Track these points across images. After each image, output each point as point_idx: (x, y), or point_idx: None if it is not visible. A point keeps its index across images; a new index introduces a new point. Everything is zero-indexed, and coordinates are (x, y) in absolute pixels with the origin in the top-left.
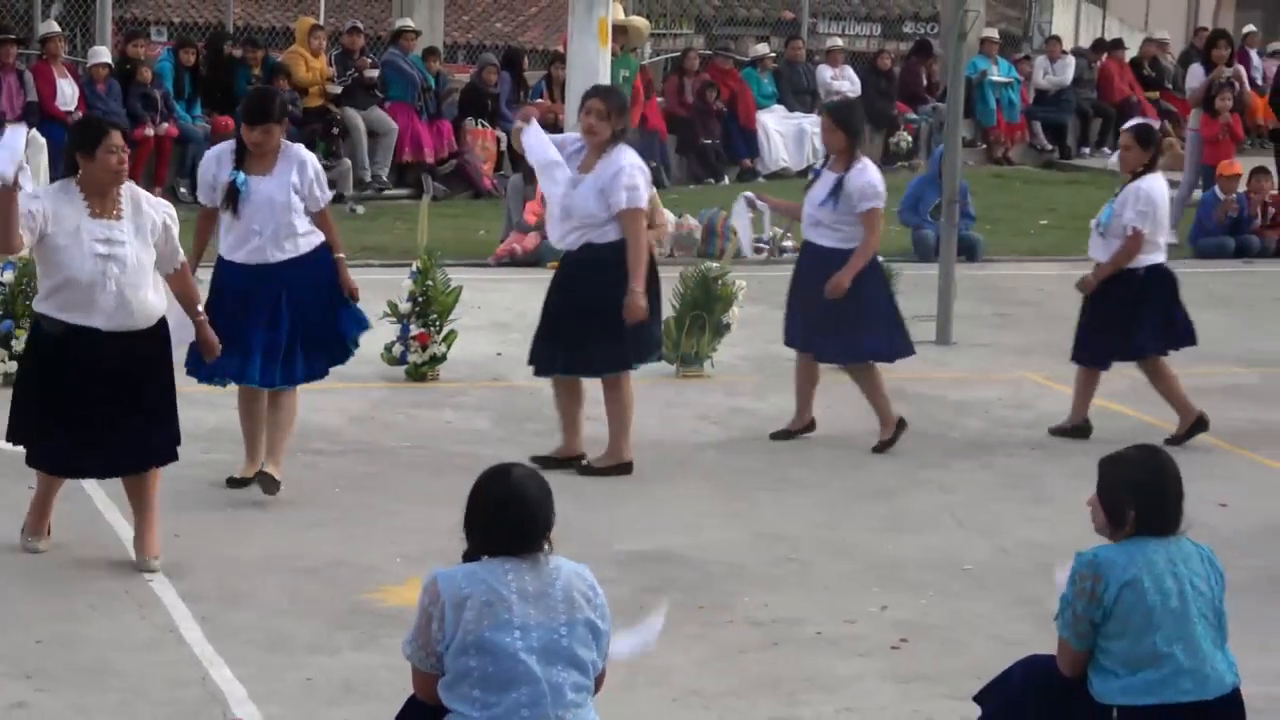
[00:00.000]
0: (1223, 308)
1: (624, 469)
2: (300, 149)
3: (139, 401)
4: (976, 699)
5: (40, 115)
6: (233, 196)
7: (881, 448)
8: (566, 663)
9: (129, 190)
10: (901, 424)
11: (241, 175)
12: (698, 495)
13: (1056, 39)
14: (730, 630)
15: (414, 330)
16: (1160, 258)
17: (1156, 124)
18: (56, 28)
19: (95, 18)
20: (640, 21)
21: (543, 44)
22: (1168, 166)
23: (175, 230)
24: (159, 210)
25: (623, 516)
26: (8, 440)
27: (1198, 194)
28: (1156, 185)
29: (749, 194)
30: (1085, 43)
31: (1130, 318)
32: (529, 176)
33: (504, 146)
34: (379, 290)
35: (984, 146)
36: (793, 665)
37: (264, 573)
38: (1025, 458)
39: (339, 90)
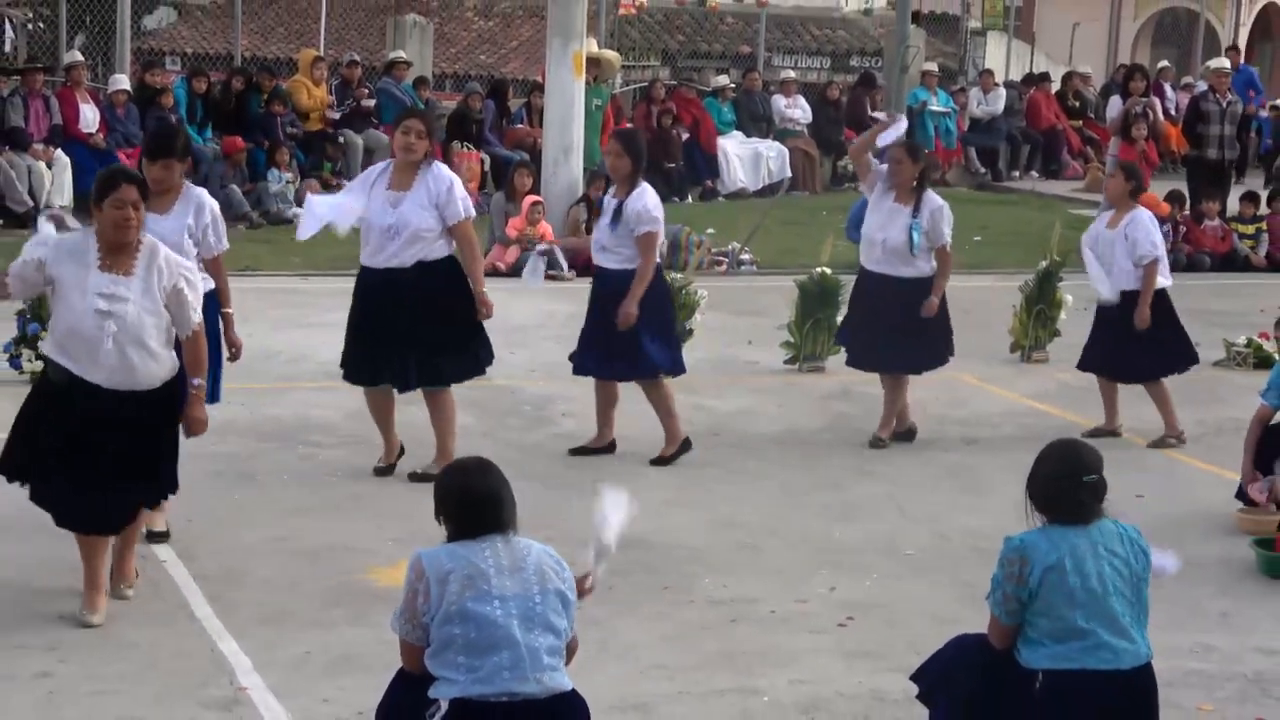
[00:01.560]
0: None
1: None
2: (202, 193)
3: (133, 463)
4: (914, 677)
5: (64, 137)
6: None
7: (661, 461)
8: (542, 628)
9: (149, 247)
10: (686, 444)
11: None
12: (662, 486)
13: (989, 72)
14: (692, 609)
15: None
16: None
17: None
18: (80, 57)
19: (115, 48)
20: (612, 55)
21: (523, 74)
22: (1089, 189)
23: (190, 295)
24: (174, 272)
25: (591, 506)
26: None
27: None
28: (939, 199)
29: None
30: (1015, 76)
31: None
32: (510, 195)
33: (487, 167)
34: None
35: None
36: (749, 641)
37: (266, 555)
38: (960, 452)
39: (338, 116)
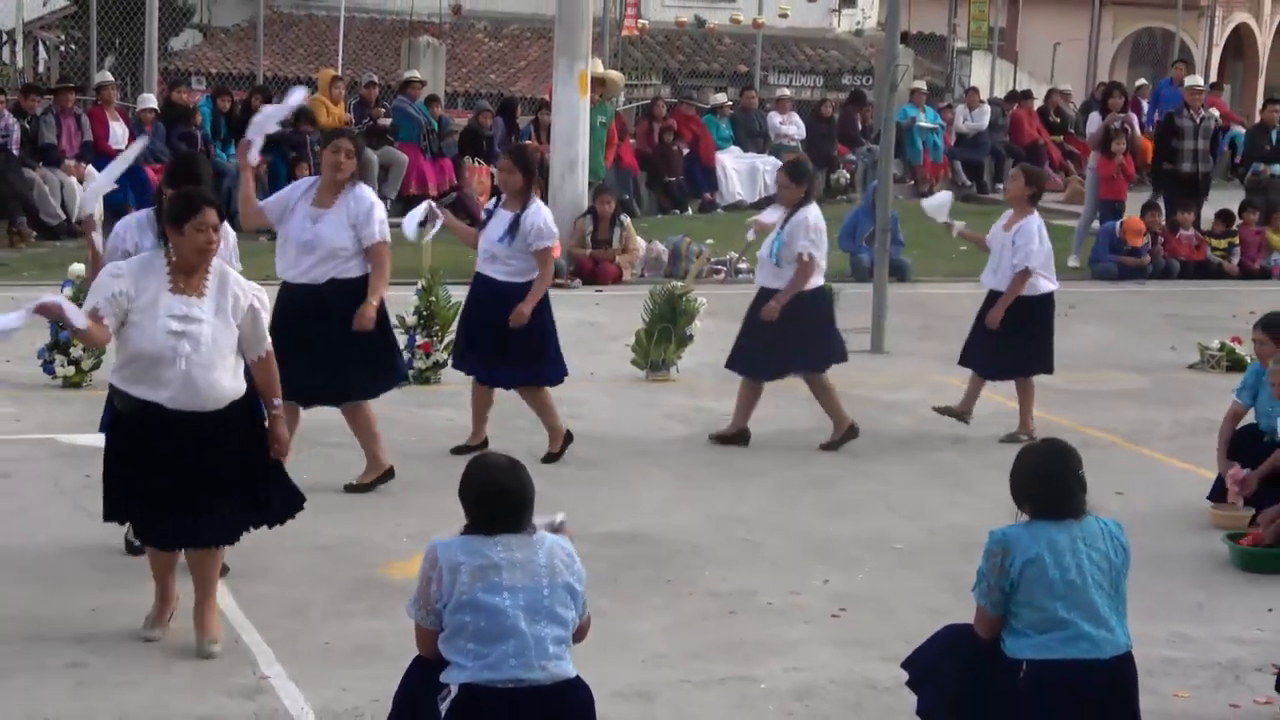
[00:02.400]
0: (1117, 322)
1: (386, 476)
2: (224, 225)
3: (204, 481)
4: (905, 665)
5: (95, 153)
6: None
7: (550, 458)
8: (549, 619)
9: (218, 268)
10: (569, 437)
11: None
12: (664, 483)
13: (975, 90)
14: (692, 601)
15: (419, 340)
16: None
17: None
18: (110, 78)
19: (144, 68)
20: (616, 74)
21: (531, 93)
22: (1069, 201)
23: (264, 316)
24: (247, 293)
25: (599, 502)
26: (106, 520)
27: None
28: (815, 212)
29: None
30: (999, 93)
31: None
32: None
33: (497, 181)
34: (389, 305)
35: (912, 183)
36: (747, 631)
37: (288, 551)
38: (948, 451)
39: (356, 134)
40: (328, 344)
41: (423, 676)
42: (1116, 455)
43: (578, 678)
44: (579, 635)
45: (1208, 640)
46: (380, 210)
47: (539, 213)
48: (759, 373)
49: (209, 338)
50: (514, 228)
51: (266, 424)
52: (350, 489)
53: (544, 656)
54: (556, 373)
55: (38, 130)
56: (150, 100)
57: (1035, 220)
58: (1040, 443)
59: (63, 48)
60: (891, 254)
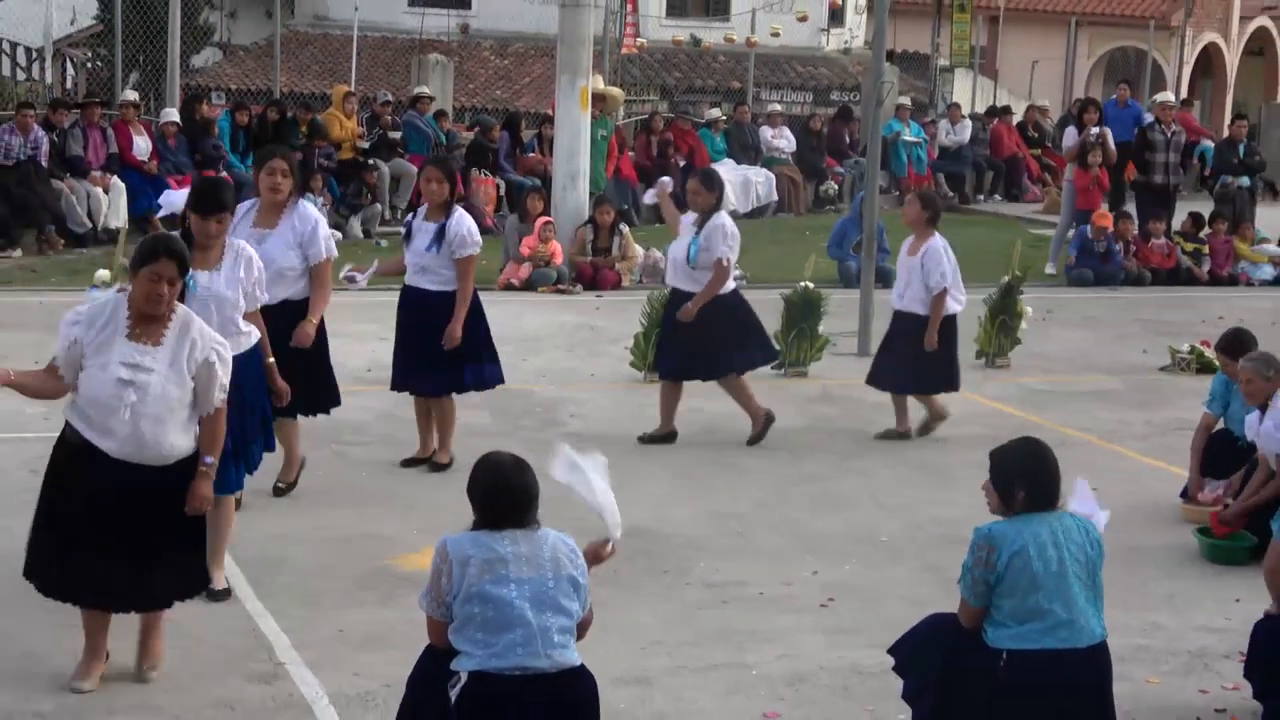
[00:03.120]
0: (1093, 328)
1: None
2: (245, 246)
3: (141, 540)
4: (891, 651)
5: (120, 164)
6: (180, 295)
7: (436, 468)
8: (553, 610)
9: (182, 317)
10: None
11: (191, 275)
12: (661, 480)
13: (956, 105)
14: (688, 591)
15: None
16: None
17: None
18: (133, 95)
19: (166, 84)
20: (616, 90)
21: (535, 108)
22: (1046, 211)
23: (220, 371)
24: (206, 344)
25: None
26: (27, 576)
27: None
28: (729, 219)
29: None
30: (980, 108)
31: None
32: (523, 217)
33: (502, 192)
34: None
35: (897, 194)
36: (740, 620)
37: (302, 543)
38: (931, 450)
39: (367, 146)
40: (283, 362)
41: (434, 664)
42: (1092, 453)
43: (582, 666)
44: (581, 631)
45: (1178, 629)
46: (324, 227)
47: (463, 221)
48: (678, 374)
49: (158, 389)
50: (440, 236)
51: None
52: (279, 492)
53: (549, 646)
54: (494, 375)
55: (65, 143)
56: (172, 114)
57: (939, 240)
58: (1022, 440)
59: (89, 65)
60: (877, 261)
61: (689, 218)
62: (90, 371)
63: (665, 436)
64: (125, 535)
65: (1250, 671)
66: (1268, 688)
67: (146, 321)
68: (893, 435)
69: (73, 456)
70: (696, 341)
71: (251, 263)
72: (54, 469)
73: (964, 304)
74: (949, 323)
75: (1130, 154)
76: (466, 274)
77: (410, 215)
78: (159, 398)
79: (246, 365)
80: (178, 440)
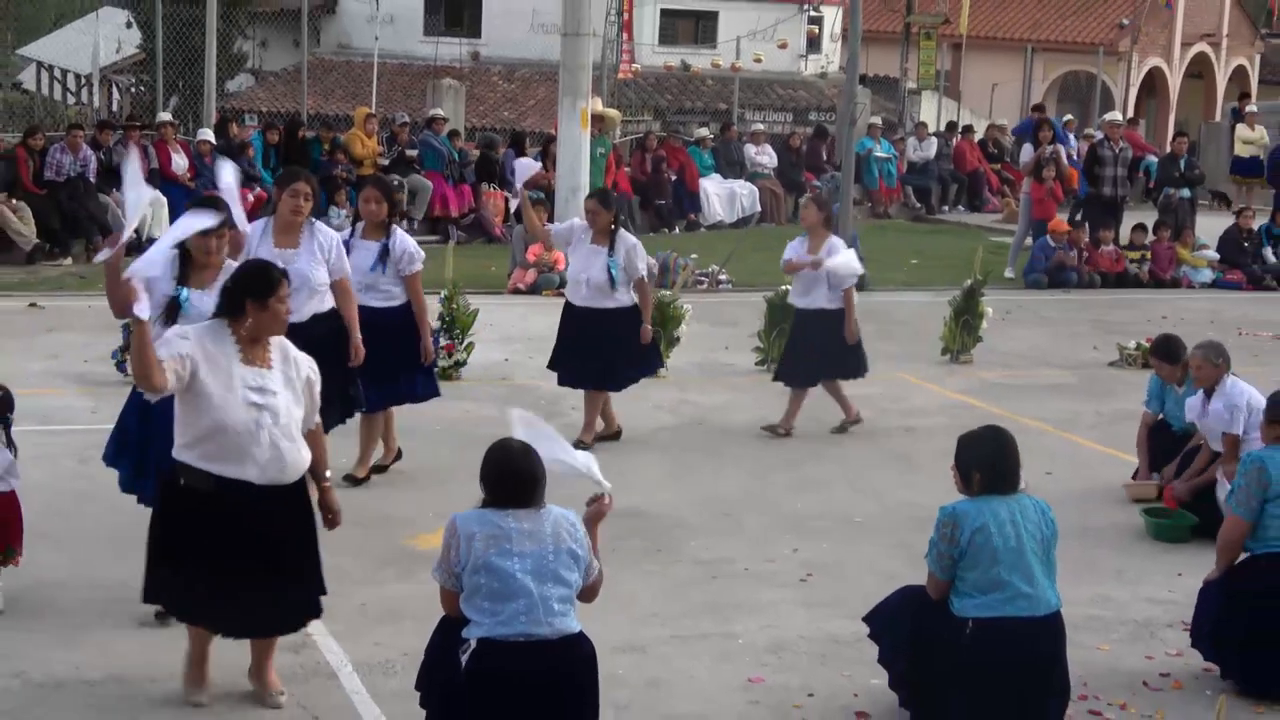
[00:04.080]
0: (1048, 327)
1: None
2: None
3: (281, 561)
4: (865, 619)
5: (160, 179)
6: (173, 312)
7: (354, 481)
8: (554, 581)
9: (278, 341)
10: (399, 454)
11: (185, 291)
12: (655, 466)
13: (923, 124)
14: (680, 568)
15: (443, 341)
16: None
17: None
18: (169, 117)
19: (203, 107)
20: (613, 112)
21: (539, 127)
22: (1006, 220)
23: (317, 388)
24: (304, 364)
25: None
26: (145, 601)
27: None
28: (633, 236)
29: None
30: (944, 126)
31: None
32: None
33: (509, 204)
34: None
35: (869, 205)
36: (727, 594)
37: None
38: (900, 438)
39: (386, 163)
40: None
41: (447, 632)
42: (1047, 440)
43: (581, 632)
44: (591, 593)
45: (1126, 601)
46: (341, 244)
47: (405, 239)
48: (580, 383)
49: (285, 410)
50: (384, 255)
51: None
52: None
53: (550, 614)
54: (427, 389)
55: (111, 160)
56: (207, 134)
57: (838, 239)
58: (985, 428)
59: (133, 90)
60: None
61: (585, 240)
62: (214, 399)
63: (611, 435)
64: (267, 558)
65: (1196, 632)
66: (1216, 637)
67: (254, 345)
68: (847, 425)
69: (204, 500)
70: (606, 352)
71: None
72: (179, 517)
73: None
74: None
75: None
76: (418, 289)
77: (348, 233)
78: (287, 418)
79: None
80: (304, 455)
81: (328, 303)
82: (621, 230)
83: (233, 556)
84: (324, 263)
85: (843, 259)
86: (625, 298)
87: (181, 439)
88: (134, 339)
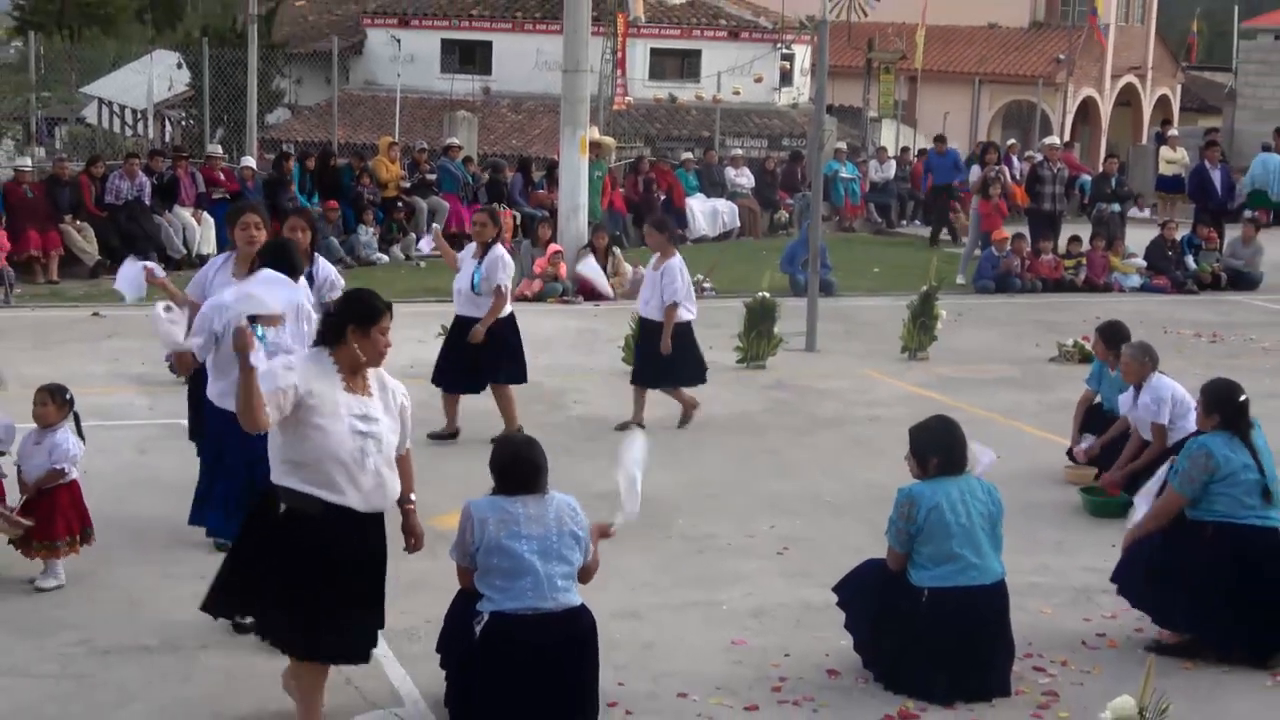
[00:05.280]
0: (995, 327)
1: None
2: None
3: (372, 588)
4: (835, 589)
5: (209, 202)
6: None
7: None
8: (558, 560)
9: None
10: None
11: (259, 328)
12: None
13: (883, 148)
14: (670, 543)
15: None
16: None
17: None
18: (219, 150)
19: (246, 138)
20: (609, 139)
21: (544, 154)
22: (962, 231)
23: (409, 413)
24: (399, 391)
25: (598, 467)
26: (206, 610)
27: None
28: (504, 250)
29: None
30: (902, 150)
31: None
32: (535, 242)
33: (518, 222)
34: (434, 317)
35: (836, 220)
36: (713, 566)
37: None
38: (865, 426)
39: (408, 186)
40: None
41: (464, 605)
42: (995, 428)
43: (583, 605)
44: (587, 575)
45: (1066, 569)
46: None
47: (327, 266)
48: (459, 387)
49: (387, 438)
50: (310, 281)
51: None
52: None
53: (555, 590)
54: None
55: (163, 185)
56: (249, 160)
57: (677, 260)
58: (936, 417)
59: (183, 123)
60: (821, 275)
61: (469, 250)
62: (323, 429)
63: (450, 435)
64: (369, 583)
65: (1126, 577)
66: (1149, 587)
67: (354, 373)
68: (628, 425)
69: (307, 526)
70: (479, 358)
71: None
72: (263, 539)
73: (695, 314)
74: (686, 327)
75: (950, 193)
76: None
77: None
78: (389, 446)
79: None
80: (399, 482)
81: None
82: (498, 245)
83: (337, 583)
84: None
85: (678, 277)
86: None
87: (283, 464)
88: (242, 386)
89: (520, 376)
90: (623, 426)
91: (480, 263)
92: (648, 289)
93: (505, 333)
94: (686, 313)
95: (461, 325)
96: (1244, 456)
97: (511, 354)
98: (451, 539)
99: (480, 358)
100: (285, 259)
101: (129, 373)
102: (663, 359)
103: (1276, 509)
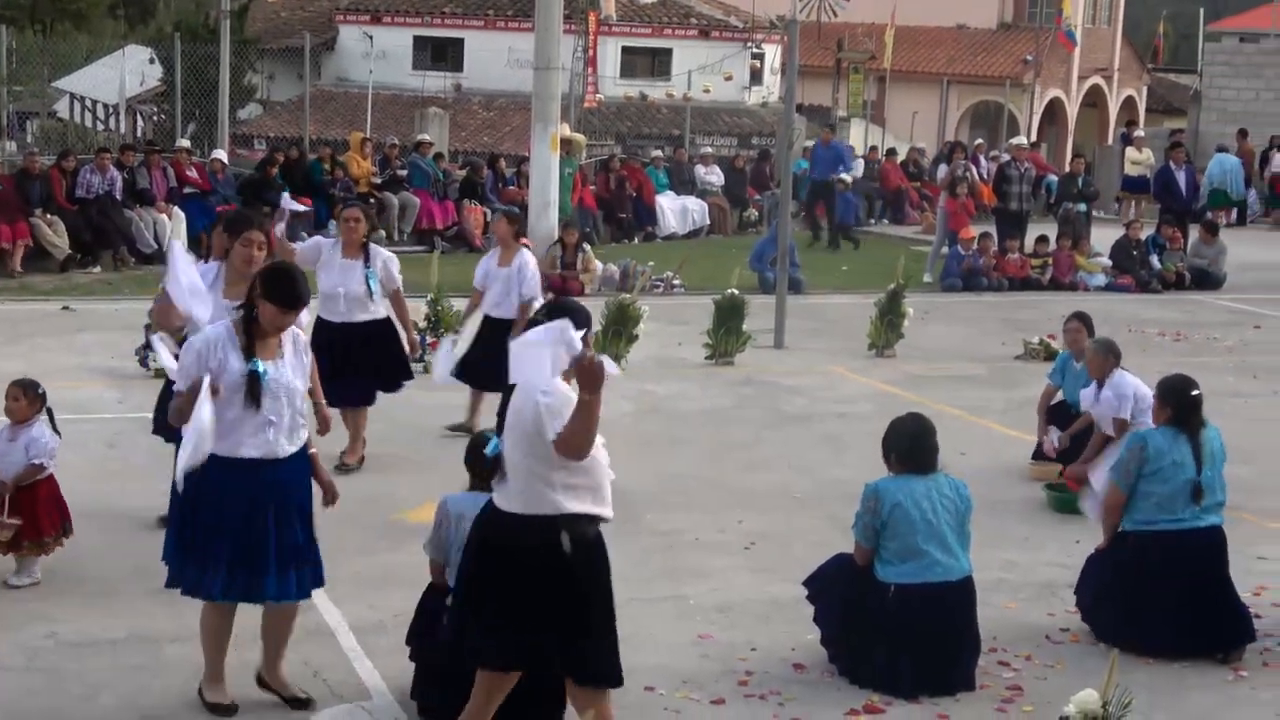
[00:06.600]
0: (962, 325)
1: None
2: (299, 334)
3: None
4: (805, 583)
5: (179, 196)
6: (255, 388)
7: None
8: None
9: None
10: None
11: (259, 363)
12: (616, 448)
13: (851, 147)
14: (640, 538)
15: (429, 339)
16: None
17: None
18: (187, 143)
19: (218, 133)
20: (579, 136)
21: (514, 150)
22: (925, 231)
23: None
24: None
25: None
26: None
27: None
28: (386, 251)
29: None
30: (870, 149)
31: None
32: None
33: (488, 218)
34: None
35: (804, 214)
36: (682, 560)
37: None
38: (833, 422)
39: (379, 181)
40: None
41: (434, 598)
42: (961, 425)
43: None
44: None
45: (1030, 565)
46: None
47: (382, 251)
48: (349, 399)
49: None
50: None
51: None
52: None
53: None
54: None
55: (134, 179)
56: (220, 154)
57: (527, 254)
58: (909, 415)
59: (155, 117)
60: (790, 272)
61: (336, 255)
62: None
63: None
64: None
65: (1079, 591)
66: (1094, 604)
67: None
68: (462, 429)
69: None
70: (365, 363)
71: (305, 347)
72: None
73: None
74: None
75: (829, 189)
76: None
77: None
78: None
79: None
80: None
81: None
82: (372, 244)
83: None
84: None
85: (534, 273)
86: (380, 310)
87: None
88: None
89: (393, 387)
90: (456, 428)
91: (368, 263)
92: (499, 287)
93: (392, 338)
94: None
95: (338, 331)
96: (1181, 454)
97: (390, 360)
98: (423, 533)
99: (363, 365)
100: (289, 288)
101: (99, 366)
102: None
103: (1209, 509)
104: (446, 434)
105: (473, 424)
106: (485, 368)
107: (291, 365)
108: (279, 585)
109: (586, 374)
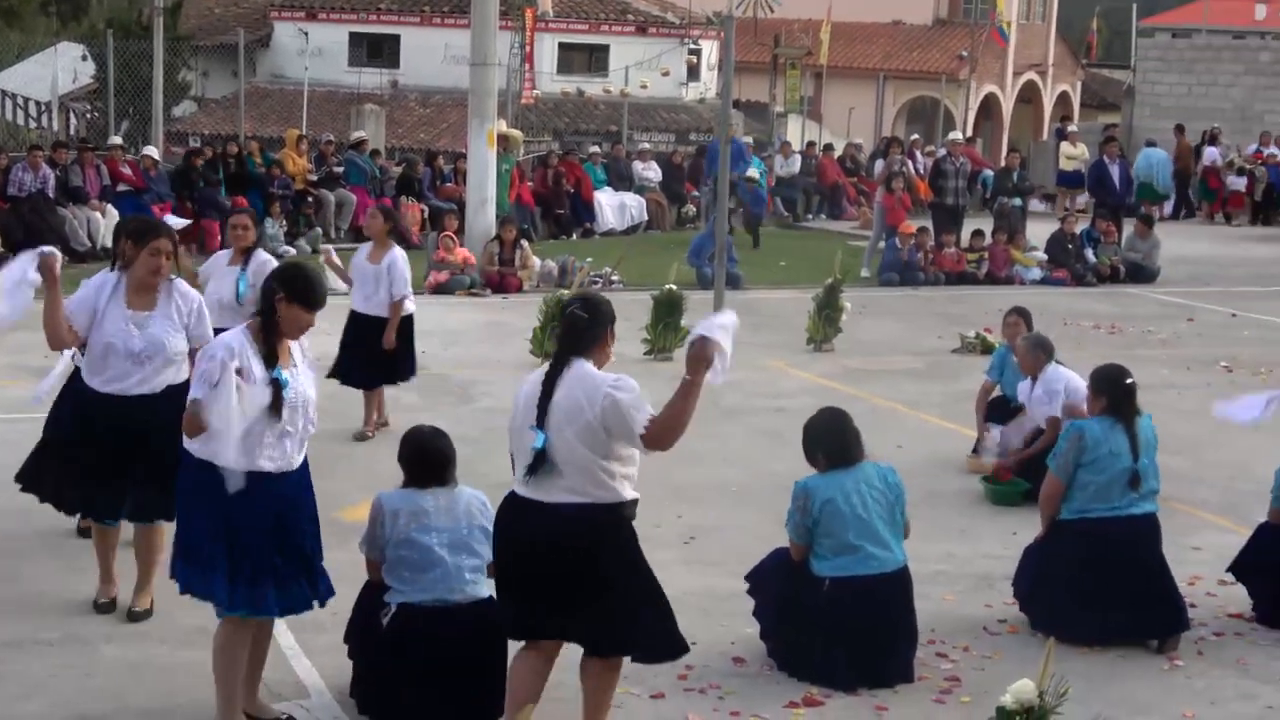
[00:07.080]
0: (899, 319)
1: None
2: (304, 342)
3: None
4: (746, 577)
5: (112, 195)
6: (278, 397)
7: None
8: (467, 553)
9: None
10: None
11: (280, 371)
12: None
13: (788, 143)
14: None
15: None
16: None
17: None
18: (119, 140)
19: (152, 131)
20: (516, 132)
21: (451, 147)
22: (862, 227)
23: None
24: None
25: (501, 460)
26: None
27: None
28: (265, 255)
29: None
30: (807, 145)
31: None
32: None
33: (427, 215)
34: (345, 308)
35: (740, 210)
36: None
37: None
38: (770, 417)
39: (316, 179)
40: (152, 455)
41: (371, 597)
42: (899, 418)
43: (490, 598)
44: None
45: (968, 557)
46: (204, 304)
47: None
48: None
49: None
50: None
51: None
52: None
53: (462, 582)
54: None
55: (67, 177)
56: (152, 151)
57: (398, 251)
58: (825, 412)
59: (88, 115)
60: (728, 268)
61: (225, 255)
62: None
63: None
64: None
65: (1017, 582)
66: (1031, 594)
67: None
68: (364, 437)
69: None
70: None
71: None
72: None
73: (414, 307)
74: (408, 321)
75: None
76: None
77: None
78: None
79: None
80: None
81: (183, 373)
82: (259, 250)
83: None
84: (182, 328)
85: (404, 270)
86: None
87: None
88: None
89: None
90: (361, 437)
91: (245, 267)
92: (369, 284)
93: None
94: (410, 304)
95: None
96: (1117, 443)
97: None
98: (360, 531)
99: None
100: (313, 287)
101: (32, 365)
102: (383, 356)
103: (1145, 497)
104: (363, 438)
105: (370, 425)
106: (356, 365)
107: (304, 375)
108: (287, 597)
109: (697, 358)
